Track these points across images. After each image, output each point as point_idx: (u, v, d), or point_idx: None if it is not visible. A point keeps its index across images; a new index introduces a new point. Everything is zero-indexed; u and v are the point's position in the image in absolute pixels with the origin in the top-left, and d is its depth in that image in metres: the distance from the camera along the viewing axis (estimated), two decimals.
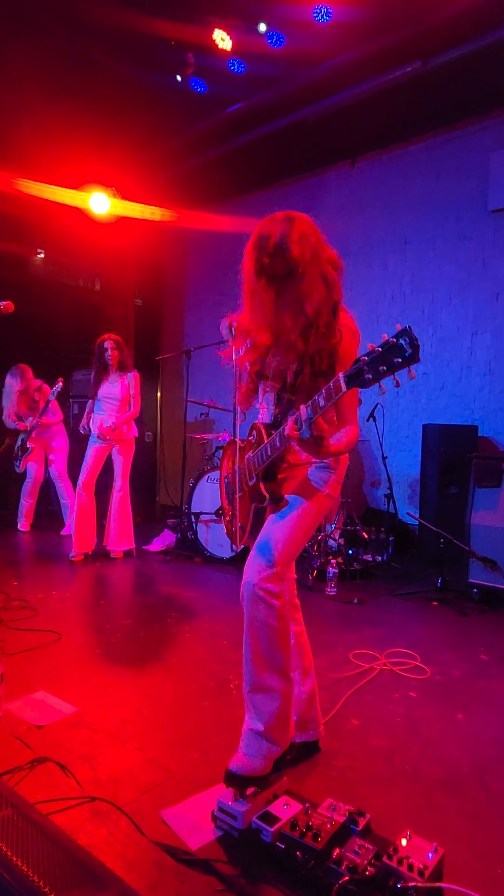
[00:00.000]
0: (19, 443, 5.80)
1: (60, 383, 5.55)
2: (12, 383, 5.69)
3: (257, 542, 1.85)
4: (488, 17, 4.15)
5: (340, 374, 1.47)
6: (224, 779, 1.73)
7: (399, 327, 1.36)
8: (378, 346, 1.38)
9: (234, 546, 2.21)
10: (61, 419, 5.87)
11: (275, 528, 1.83)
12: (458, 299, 5.52)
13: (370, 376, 1.39)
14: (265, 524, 1.90)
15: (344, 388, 1.47)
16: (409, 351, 1.33)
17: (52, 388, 5.61)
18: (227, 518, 2.17)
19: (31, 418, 5.66)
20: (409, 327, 1.35)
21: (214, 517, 4.94)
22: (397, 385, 1.39)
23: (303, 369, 1.79)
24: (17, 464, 5.81)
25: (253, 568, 1.77)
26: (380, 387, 1.40)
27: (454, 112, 5.29)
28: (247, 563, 1.82)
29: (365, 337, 1.89)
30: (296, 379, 1.84)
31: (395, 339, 1.35)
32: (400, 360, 1.35)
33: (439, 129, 5.53)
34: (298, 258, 1.72)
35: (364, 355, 1.41)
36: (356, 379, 1.43)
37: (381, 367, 1.37)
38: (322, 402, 1.55)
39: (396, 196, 5.89)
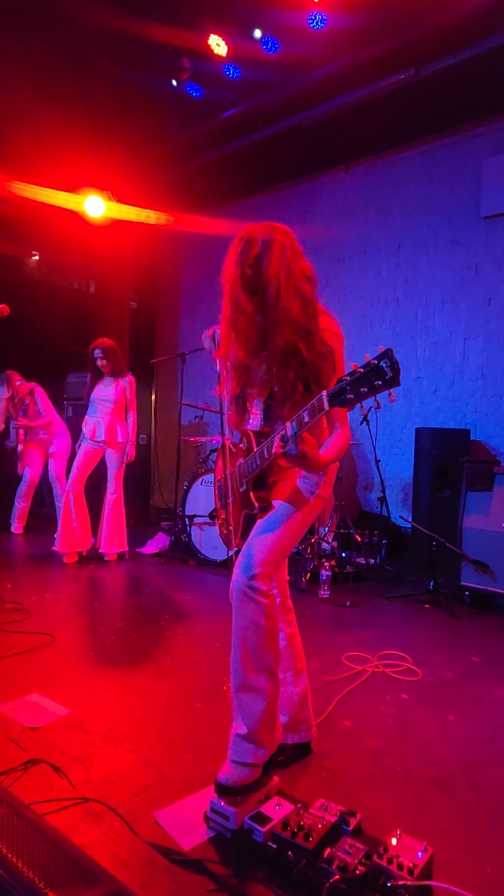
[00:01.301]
0: (13, 444, 5.81)
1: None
2: (0, 391, 5.70)
3: (247, 543, 1.87)
4: (482, 25, 4.20)
5: (324, 393, 1.50)
6: (214, 790, 1.75)
7: (381, 349, 1.38)
8: (360, 367, 1.41)
9: (227, 548, 2.23)
10: (49, 421, 5.82)
11: (265, 528, 1.85)
12: (450, 304, 5.56)
13: (351, 396, 1.43)
14: (256, 523, 1.91)
15: (326, 406, 1.50)
16: (390, 374, 1.36)
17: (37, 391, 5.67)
18: (220, 521, 2.19)
19: (12, 421, 5.68)
20: (391, 350, 1.37)
21: (208, 520, 4.95)
22: (378, 407, 1.43)
23: (287, 380, 1.81)
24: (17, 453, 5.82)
25: (242, 566, 1.79)
26: (361, 406, 1.45)
27: (447, 119, 5.34)
28: (237, 561, 1.84)
29: (357, 343, 1.92)
30: (282, 390, 1.85)
31: (376, 362, 1.38)
32: (380, 382, 1.38)
33: (433, 136, 5.58)
34: (274, 275, 1.78)
35: (347, 375, 1.44)
36: (338, 398, 1.46)
37: (362, 389, 1.41)
38: (306, 419, 1.58)
39: (390, 202, 5.93)
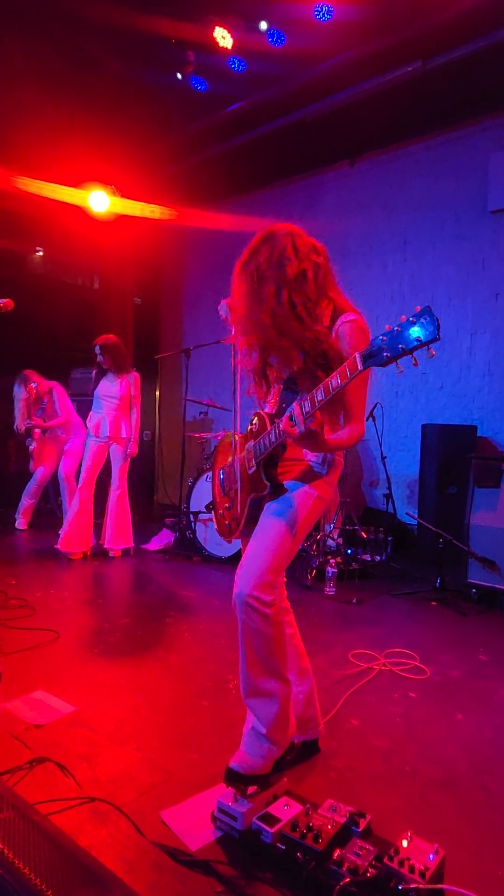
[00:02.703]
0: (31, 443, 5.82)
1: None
2: (17, 393, 5.69)
3: (248, 551, 1.82)
4: (489, 18, 4.15)
5: (356, 354, 1.47)
6: (224, 777, 1.73)
7: (418, 308, 1.35)
8: (396, 326, 1.38)
9: (225, 540, 2.18)
10: (65, 420, 5.79)
11: (265, 536, 1.80)
12: (457, 300, 5.52)
13: (388, 354, 1.39)
14: (255, 531, 1.86)
15: (360, 366, 1.46)
16: (430, 328, 1.33)
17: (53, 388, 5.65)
18: (220, 511, 2.15)
19: (27, 420, 5.67)
20: (429, 307, 1.35)
21: (212, 516, 4.94)
22: (415, 364, 1.39)
23: (307, 362, 1.79)
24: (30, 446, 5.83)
25: (244, 577, 1.74)
26: (397, 366, 1.40)
27: (454, 112, 5.29)
28: (238, 571, 1.79)
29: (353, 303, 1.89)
30: (300, 371, 1.83)
31: (414, 319, 1.35)
32: (419, 337, 1.35)
33: (439, 130, 5.53)
34: (274, 278, 1.78)
35: (381, 335, 1.41)
36: (372, 357, 1.43)
37: (399, 346, 1.37)
38: (320, 396, 1.56)
39: (395, 196, 5.89)
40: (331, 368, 1.62)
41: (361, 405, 1.82)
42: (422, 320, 1.34)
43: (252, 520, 1.92)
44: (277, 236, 1.83)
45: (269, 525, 1.83)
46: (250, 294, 1.82)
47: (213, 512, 2.21)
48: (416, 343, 1.35)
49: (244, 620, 1.74)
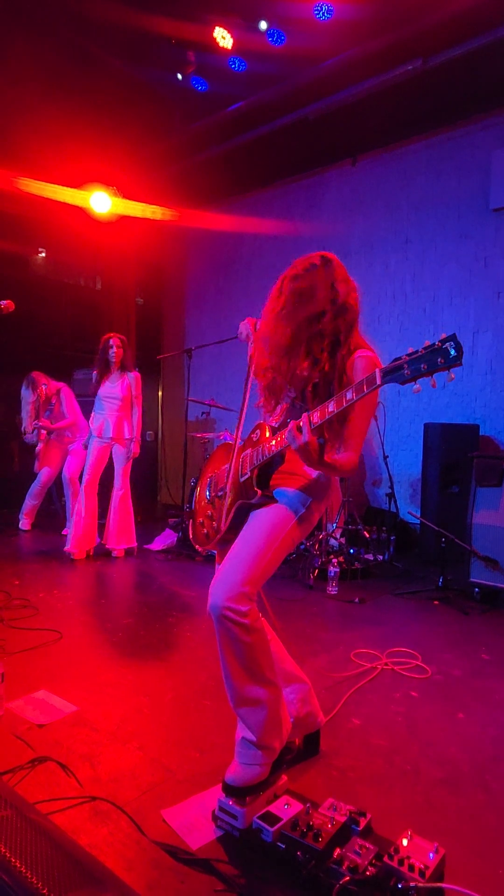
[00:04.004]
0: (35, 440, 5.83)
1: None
2: (25, 395, 5.70)
3: (226, 560, 1.79)
4: (489, 16, 4.15)
5: (377, 370, 1.49)
6: (222, 790, 1.73)
7: (444, 336, 1.40)
8: (419, 349, 1.41)
9: (199, 549, 2.17)
10: (72, 422, 5.78)
11: (246, 546, 1.77)
12: (459, 298, 5.51)
13: (408, 373, 1.42)
14: (237, 539, 1.84)
15: (379, 380, 1.47)
16: (454, 354, 1.37)
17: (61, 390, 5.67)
18: (199, 520, 2.12)
19: (34, 421, 5.67)
20: (455, 335, 1.40)
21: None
22: (433, 385, 1.42)
23: (322, 385, 1.81)
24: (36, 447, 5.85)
25: (220, 588, 1.72)
26: (415, 384, 1.43)
27: (455, 110, 5.28)
28: (213, 582, 1.76)
29: (370, 343, 1.91)
30: (315, 392, 1.84)
31: (439, 343, 1.39)
32: (443, 360, 1.38)
33: (440, 128, 5.52)
34: (322, 300, 1.85)
35: (404, 354, 1.44)
36: (393, 374, 1.45)
37: (422, 366, 1.40)
38: (332, 408, 1.58)
39: (397, 195, 5.88)
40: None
41: (361, 435, 1.81)
42: (447, 345, 1.38)
43: (233, 530, 1.89)
44: (334, 263, 1.91)
45: (252, 536, 1.80)
46: (292, 308, 1.86)
47: (191, 520, 2.19)
48: (438, 364, 1.38)
49: (221, 632, 1.71)
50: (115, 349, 4.94)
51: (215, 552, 2.06)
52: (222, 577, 1.74)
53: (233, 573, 1.72)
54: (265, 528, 1.80)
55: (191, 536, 2.15)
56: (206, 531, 2.07)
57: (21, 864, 0.87)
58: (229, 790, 1.71)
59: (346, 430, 1.77)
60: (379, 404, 5.28)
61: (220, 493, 2.02)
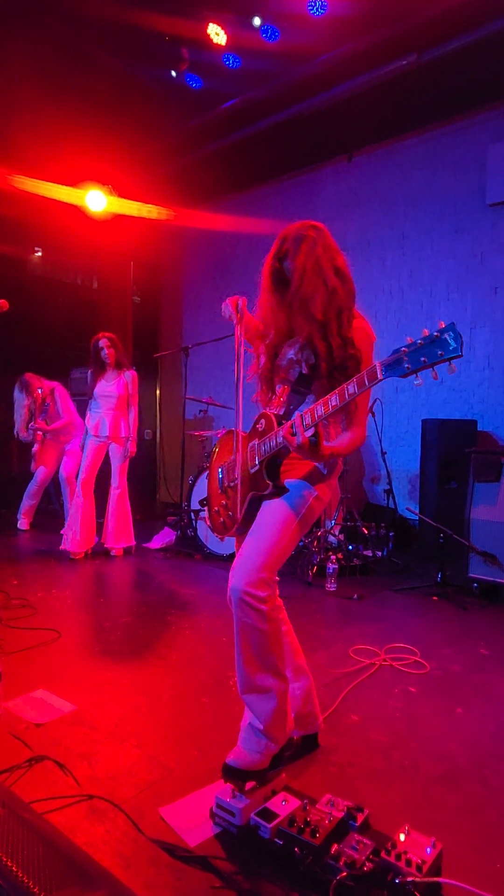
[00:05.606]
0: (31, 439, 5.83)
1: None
2: (19, 398, 5.69)
3: (243, 547, 1.82)
4: (483, 10, 4.13)
5: (378, 363, 1.48)
6: (222, 772, 1.73)
7: (442, 324, 1.38)
8: (419, 340, 1.40)
9: (218, 537, 2.18)
10: (67, 422, 5.78)
11: (262, 533, 1.80)
12: (456, 294, 5.50)
13: (409, 366, 1.41)
14: (252, 528, 1.86)
15: (380, 375, 1.47)
16: (454, 345, 1.35)
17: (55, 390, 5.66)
18: (215, 508, 2.14)
19: (31, 424, 5.66)
20: (454, 324, 1.38)
21: (205, 512, 4.94)
22: (435, 377, 1.41)
23: (319, 364, 1.80)
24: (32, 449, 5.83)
25: (239, 573, 1.74)
26: (416, 377, 1.42)
27: (451, 105, 5.26)
28: (233, 567, 1.79)
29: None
30: (311, 372, 1.84)
31: (438, 334, 1.37)
32: (443, 352, 1.36)
33: (436, 123, 5.50)
34: (298, 268, 1.83)
35: (404, 346, 1.42)
36: (395, 367, 1.44)
37: (421, 358, 1.39)
38: (335, 402, 1.58)
39: (393, 190, 5.87)
40: (349, 376, 1.63)
41: (365, 410, 1.84)
42: (445, 335, 1.36)
43: (249, 518, 1.92)
44: (325, 232, 1.90)
45: (267, 523, 1.82)
46: (303, 281, 1.82)
47: (206, 508, 2.20)
48: (438, 357, 1.37)
49: (240, 617, 1.74)
50: (105, 350, 4.92)
51: (216, 551, 2.07)
52: (241, 562, 1.77)
53: (252, 558, 1.75)
54: (281, 514, 1.83)
55: (207, 524, 2.17)
56: (222, 520, 2.09)
57: (12, 863, 0.87)
58: (230, 772, 1.71)
59: (349, 410, 1.78)
60: (376, 401, 5.29)
61: (231, 484, 2.02)
